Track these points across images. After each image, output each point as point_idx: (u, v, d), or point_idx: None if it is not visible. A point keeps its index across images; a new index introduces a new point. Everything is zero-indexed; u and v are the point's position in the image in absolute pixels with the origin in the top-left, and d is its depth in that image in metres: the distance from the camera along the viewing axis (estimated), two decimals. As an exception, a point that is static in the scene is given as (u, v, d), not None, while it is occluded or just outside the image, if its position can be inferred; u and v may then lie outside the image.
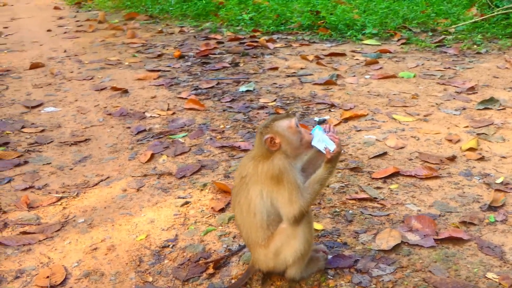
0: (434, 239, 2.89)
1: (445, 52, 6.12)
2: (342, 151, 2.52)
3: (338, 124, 4.39)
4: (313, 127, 2.52)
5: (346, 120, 4.46)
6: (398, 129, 4.25)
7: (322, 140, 2.36)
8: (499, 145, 3.88)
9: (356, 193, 3.36)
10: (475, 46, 6.19)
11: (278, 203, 2.38)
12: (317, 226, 3.05)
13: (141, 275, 2.77)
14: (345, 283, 2.59)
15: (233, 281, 2.65)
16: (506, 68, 5.38)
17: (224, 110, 4.76)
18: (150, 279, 2.74)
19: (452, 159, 3.80)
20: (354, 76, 5.78)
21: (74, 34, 7.41)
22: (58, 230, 3.20)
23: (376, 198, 3.31)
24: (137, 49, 6.86)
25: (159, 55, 6.52)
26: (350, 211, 3.18)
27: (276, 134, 2.38)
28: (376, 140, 4.10)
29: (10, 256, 2.98)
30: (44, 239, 3.12)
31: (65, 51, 6.79)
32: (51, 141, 4.32)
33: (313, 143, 2.38)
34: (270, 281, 2.62)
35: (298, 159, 2.51)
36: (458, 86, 5.05)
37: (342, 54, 6.71)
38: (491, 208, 3.15)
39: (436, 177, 3.54)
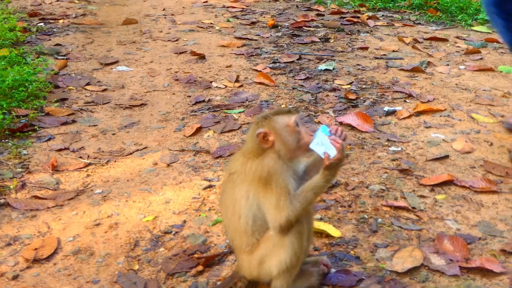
0: (460, 266, 2.55)
1: None
2: (345, 158, 2.21)
3: (408, 117, 4.00)
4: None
5: (418, 113, 4.10)
6: (473, 131, 3.85)
7: (322, 144, 2.09)
8: None
9: (395, 199, 3.07)
10: None
11: (265, 208, 2.19)
12: (335, 232, 2.82)
13: (130, 261, 2.68)
14: None
15: (218, 282, 2.49)
16: None
17: (293, 88, 4.53)
18: (137, 267, 2.64)
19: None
20: (448, 65, 5.30)
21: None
22: (71, 198, 3.17)
23: (414, 208, 3.02)
24: (235, 14, 6.74)
25: (253, 23, 6.38)
26: (379, 220, 2.91)
27: (271, 129, 2.18)
28: (443, 140, 3.74)
29: (12, 220, 3.00)
30: (53, 207, 3.09)
31: (163, 9, 6.80)
32: (108, 102, 4.32)
33: (311, 146, 2.13)
34: (252, 288, 2.34)
35: (295, 161, 2.29)
36: None
37: (444, 40, 6.20)
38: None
39: (494, 192, 3.17)
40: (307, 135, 2.20)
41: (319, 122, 3.98)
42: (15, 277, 2.56)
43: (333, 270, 2.52)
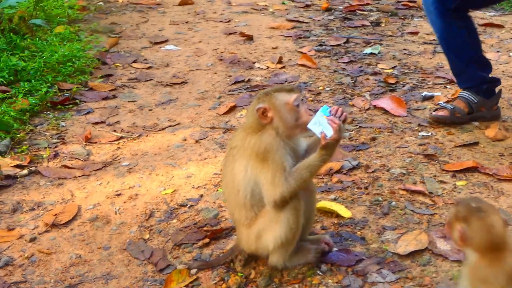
0: (461, 251, 2.48)
1: None
2: (343, 138, 2.23)
3: (447, 102, 3.93)
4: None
5: (455, 99, 3.98)
6: (510, 118, 3.74)
7: (320, 124, 2.12)
8: None
9: (414, 183, 3.08)
10: None
11: (261, 184, 2.25)
12: (345, 213, 2.84)
13: (142, 230, 2.80)
14: (332, 282, 2.40)
15: (221, 255, 2.54)
16: None
17: (335, 71, 4.56)
18: (147, 236, 2.76)
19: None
20: (498, 52, 5.17)
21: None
22: (98, 169, 3.30)
23: (431, 193, 3.00)
24: (289, -10, 6.67)
25: (307, 5, 6.43)
26: (393, 203, 2.92)
27: (271, 106, 2.25)
28: (476, 127, 3.66)
29: (40, 187, 3.15)
30: (79, 176, 3.23)
31: None
32: (150, 79, 4.46)
33: (309, 125, 2.18)
34: (253, 263, 2.49)
35: (295, 140, 2.34)
36: None
37: (500, 26, 6.04)
38: None
39: (520, 181, 3.03)
40: (306, 114, 2.24)
41: (353, 105, 3.97)
42: (32, 239, 2.70)
43: (335, 249, 2.54)
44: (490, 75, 3.74)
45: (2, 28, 4.65)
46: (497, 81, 3.76)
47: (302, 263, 2.43)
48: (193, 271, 2.47)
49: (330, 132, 2.12)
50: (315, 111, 2.26)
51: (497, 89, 3.74)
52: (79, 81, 4.28)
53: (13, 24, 4.79)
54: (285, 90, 2.28)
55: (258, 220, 2.30)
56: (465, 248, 1.83)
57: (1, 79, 3.94)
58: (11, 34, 4.61)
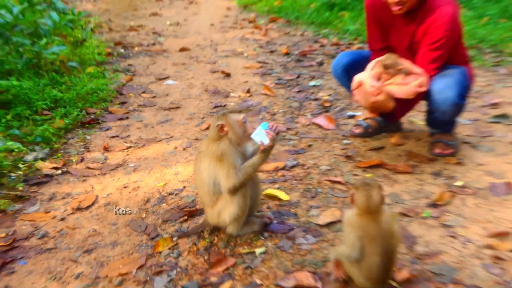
0: (365, 223, 2.62)
1: (496, 71, 5.38)
2: (275, 145, 2.38)
3: (365, 119, 4.05)
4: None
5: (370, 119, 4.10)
6: (408, 129, 3.88)
7: (259, 135, 2.27)
8: (482, 153, 3.41)
9: (335, 176, 3.18)
10: (530, 69, 5.33)
11: (219, 177, 2.38)
12: (285, 197, 2.97)
13: (140, 211, 2.90)
14: (271, 245, 2.53)
15: (194, 227, 2.67)
16: (544, 89, 4.64)
17: (287, 98, 4.68)
18: (144, 215, 2.87)
19: (433, 159, 3.42)
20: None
21: (226, 29, 7.45)
22: (112, 169, 3.39)
23: (347, 182, 3.11)
24: (261, 44, 6.82)
25: (272, 51, 6.48)
26: (319, 190, 3.04)
27: (226, 122, 2.37)
28: (384, 136, 3.79)
29: (70, 182, 3.22)
30: (98, 174, 3.32)
31: (211, 41, 6.91)
32: (154, 105, 4.52)
33: (252, 136, 2.32)
34: (216, 232, 2.62)
35: (243, 146, 2.47)
36: (485, 100, 4.46)
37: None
38: (434, 205, 2.81)
39: (408, 173, 3.23)
40: (250, 128, 2.38)
41: (298, 122, 4.10)
42: (62, 219, 2.81)
43: (275, 222, 2.67)
44: None
45: (46, 69, 4.72)
46: None
47: (250, 232, 2.56)
48: (175, 238, 2.58)
49: (266, 141, 2.28)
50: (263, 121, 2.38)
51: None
52: (102, 106, 4.38)
53: (55, 65, 4.86)
54: (236, 111, 2.43)
55: (218, 203, 2.45)
56: (352, 205, 2.05)
57: (45, 105, 4.02)
58: (53, 73, 4.69)
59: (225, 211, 2.45)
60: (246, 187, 2.42)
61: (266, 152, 2.34)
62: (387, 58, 3.11)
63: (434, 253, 2.41)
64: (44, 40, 4.86)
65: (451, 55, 3.25)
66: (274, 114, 4.24)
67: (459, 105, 3.15)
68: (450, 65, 3.26)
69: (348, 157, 3.45)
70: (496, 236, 2.53)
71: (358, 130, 3.79)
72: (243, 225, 2.52)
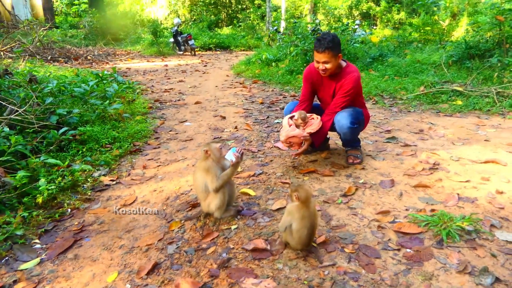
0: (301, 208, 2.67)
1: (391, 110, 5.50)
2: (240, 162, 2.46)
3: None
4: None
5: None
6: (334, 148, 3.93)
7: (229, 156, 2.34)
8: (378, 162, 3.51)
9: (286, 179, 3.22)
10: (410, 107, 5.48)
11: (207, 182, 2.41)
12: (252, 193, 3.01)
13: (162, 205, 2.89)
14: (241, 223, 2.58)
15: (194, 213, 2.70)
16: (417, 121, 4.77)
17: (260, 131, 4.73)
18: (164, 208, 2.88)
19: (347, 167, 3.48)
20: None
21: (225, 89, 7.50)
22: (147, 180, 3.40)
23: (292, 182, 3.13)
24: (246, 97, 6.86)
25: (253, 101, 6.51)
26: (275, 188, 3.07)
27: (209, 149, 2.41)
28: (318, 153, 3.82)
29: (120, 189, 3.25)
30: (138, 183, 3.33)
31: (215, 97, 6.91)
32: (176, 139, 4.53)
33: (226, 156, 2.38)
34: (208, 216, 2.66)
35: (222, 162, 2.51)
36: (382, 128, 4.57)
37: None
38: (345, 195, 2.89)
39: (331, 176, 3.29)
40: (224, 152, 2.45)
41: (265, 145, 4.15)
42: (114, 212, 2.84)
43: (245, 209, 2.72)
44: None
45: (109, 119, 4.79)
46: (328, 138, 3.88)
47: (229, 216, 2.61)
48: (182, 221, 2.63)
49: (234, 159, 2.36)
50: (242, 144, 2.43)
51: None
52: (144, 141, 4.42)
53: (115, 116, 4.92)
54: (216, 142, 2.51)
55: (208, 198, 2.51)
56: (294, 201, 2.07)
57: (107, 141, 4.08)
58: (114, 121, 4.76)
59: (212, 203, 2.51)
60: (225, 188, 2.49)
61: (234, 166, 2.42)
62: (301, 113, 3.25)
63: (342, 225, 2.48)
64: (107, 101, 4.95)
65: (354, 102, 3.37)
66: (251, 141, 4.29)
67: (352, 129, 3.26)
68: (351, 107, 3.38)
69: (294, 167, 3.51)
70: (381, 213, 2.61)
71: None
72: (224, 211, 2.58)
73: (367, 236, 2.36)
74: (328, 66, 3.19)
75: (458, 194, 2.83)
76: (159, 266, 2.13)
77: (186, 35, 15.31)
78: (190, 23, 25.43)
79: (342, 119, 3.27)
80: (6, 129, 3.19)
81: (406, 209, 2.66)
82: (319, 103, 3.67)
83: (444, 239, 2.24)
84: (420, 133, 4.41)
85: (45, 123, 3.77)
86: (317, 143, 3.28)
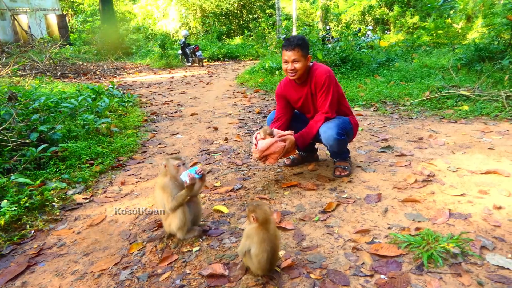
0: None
1: (392, 117, 5.24)
2: (193, 184, 2.30)
3: (293, 154, 3.94)
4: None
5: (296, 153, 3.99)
6: (322, 160, 3.73)
7: (185, 176, 2.20)
8: (367, 174, 3.28)
9: (264, 194, 3.04)
10: (412, 113, 5.20)
11: (164, 201, 2.28)
12: (225, 210, 2.87)
13: (129, 225, 2.80)
14: (205, 244, 2.43)
15: (158, 234, 2.57)
16: (418, 128, 4.50)
17: (250, 142, 4.55)
18: (131, 227, 2.78)
19: (333, 179, 3.26)
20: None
21: (225, 99, 7.40)
22: (122, 197, 3.30)
23: (271, 198, 2.97)
24: (244, 107, 6.73)
25: (250, 111, 6.37)
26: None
27: (167, 164, 2.27)
28: (305, 164, 3.62)
29: (92, 208, 3.17)
30: (112, 201, 3.23)
31: (213, 108, 6.81)
32: (163, 152, 4.44)
33: (181, 176, 2.23)
34: (172, 237, 2.52)
35: (179, 180, 2.36)
36: (379, 137, 4.32)
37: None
38: (324, 212, 2.67)
39: (314, 190, 3.09)
40: (181, 171, 2.29)
41: (251, 158, 3.98)
42: (78, 233, 2.71)
43: (213, 228, 2.55)
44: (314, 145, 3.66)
45: (97, 133, 4.74)
46: (316, 148, 3.71)
47: (192, 236, 2.46)
48: (145, 242, 2.50)
49: (187, 181, 2.19)
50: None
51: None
52: (129, 155, 4.34)
53: (104, 132, 4.87)
54: (174, 158, 2.36)
55: (168, 217, 2.38)
56: (252, 223, 1.91)
57: (89, 157, 4.01)
58: (101, 136, 4.71)
59: (172, 223, 2.38)
60: (183, 206, 2.34)
61: (188, 188, 2.28)
62: (265, 129, 3.10)
63: (314, 246, 2.27)
64: (95, 116, 4.91)
65: (338, 110, 3.18)
66: (238, 154, 4.15)
67: (339, 140, 3.06)
68: (339, 116, 3.19)
69: (277, 181, 3.33)
70: (359, 232, 2.39)
71: (288, 162, 3.70)
72: (187, 232, 2.44)
73: (339, 259, 2.13)
74: (297, 65, 3.03)
75: (449, 209, 2.57)
76: (105, 295, 1.96)
77: (193, 46, 15.40)
78: (201, 34, 25.69)
79: (328, 130, 3.07)
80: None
81: (389, 228, 2.42)
82: (306, 115, 3.49)
83: (424, 263, 1.99)
84: (419, 141, 4.14)
85: (25, 140, 3.71)
86: (300, 144, 3.08)
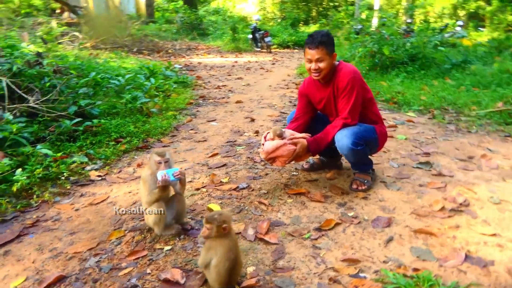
0: (256, 236, 2.38)
1: (447, 127, 4.61)
2: (169, 185, 2.20)
3: (312, 158, 3.65)
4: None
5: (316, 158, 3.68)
6: (345, 168, 3.40)
7: (158, 175, 2.11)
8: (389, 191, 2.91)
9: (265, 199, 2.85)
10: (474, 126, 4.52)
11: (142, 193, 2.21)
12: (217, 209, 2.67)
13: (126, 209, 2.70)
14: (180, 244, 2.36)
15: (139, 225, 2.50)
16: (472, 145, 3.89)
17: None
18: (124, 213, 2.68)
19: (346, 192, 2.96)
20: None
21: (277, 89, 7.18)
22: (132, 180, 3.31)
23: (270, 204, 2.77)
24: (291, 99, 6.46)
25: (295, 105, 5.95)
26: (246, 207, 2.74)
27: (150, 158, 2.20)
28: (324, 171, 3.34)
29: (101, 186, 3.22)
30: (121, 182, 3.25)
31: (261, 97, 6.64)
32: (191, 138, 4.42)
33: (157, 174, 2.14)
34: (152, 231, 2.45)
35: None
36: (422, 150, 3.82)
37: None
38: (319, 229, 2.42)
39: (321, 202, 2.82)
40: (161, 168, 2.20)
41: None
42: (76, 210, 2.77)
43: (195, 228, 2.45)
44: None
45: (135, 112, 4.83)
46: (340, 155, 3.38)
47: (169, 234, 2.38)
48: (126, 231, 2.47)
49: (159, 182, 2.11)
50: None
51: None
52: (158, 138, 4.38)
53: (143, 111, 4.98)
54: (157, 153, 2.26)
55: (146, 211, 2.30)
56: (210, 235, 1.79)
57: (118, 135, 4.11)
58: (138, 115, 4.80)
59: (149, 218, 2.32)
60: (160, 202, 2.25)
61: (160, 188, 2.17)
62: (276, 130, 2.82)
63: (289, 268, 2.04)
64: (142, 95, 5.04)
65: (363, 114, 2.85)
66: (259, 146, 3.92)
67: (354, 150, 2.72)
68: (361, 124, 2.84)
69: (286, 185, 3.10)
70: (347, 261, 2.09)
71: (306, 165, 3.44)
72: (164, 228, 2.35)
73: (309, 289, 1.87)
74: (321, 65, 2.72)
75: (468, 251, 2.14)
76: (63, 280, 1.96)
77: (263, 32, 15.24)
78: (278, 20, 25.38)
79: (343, 138, 2.75)
80: (10, 116, 3.36)
81: (384, 261, 2.08)
82: (329, 118, 3.18)
83: (404, 315, 1.65)
84: (467, 160, 3.56)
85: (60, 113, 3.92)
86: (313, 149, 2.81)
